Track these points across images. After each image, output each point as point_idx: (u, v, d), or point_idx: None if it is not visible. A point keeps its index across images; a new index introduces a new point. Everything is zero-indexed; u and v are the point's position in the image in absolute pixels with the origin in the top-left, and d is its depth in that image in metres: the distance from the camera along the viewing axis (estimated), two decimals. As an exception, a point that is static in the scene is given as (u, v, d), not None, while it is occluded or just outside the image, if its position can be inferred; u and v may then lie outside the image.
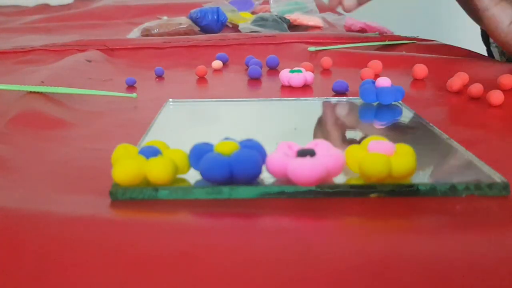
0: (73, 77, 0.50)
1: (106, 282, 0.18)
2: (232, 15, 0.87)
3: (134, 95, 0.44)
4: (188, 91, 0.48)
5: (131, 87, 0.49)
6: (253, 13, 0.97)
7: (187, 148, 0.25)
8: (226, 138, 0.25)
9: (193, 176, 0.25)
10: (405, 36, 0.66)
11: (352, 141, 0.25)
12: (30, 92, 0.42)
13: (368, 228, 0.21)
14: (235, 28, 0.85)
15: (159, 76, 0.53)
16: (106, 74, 0.54)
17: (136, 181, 0.24)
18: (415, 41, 0.64)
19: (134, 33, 0.80)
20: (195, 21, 0.81)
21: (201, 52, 0.63)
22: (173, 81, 0.52)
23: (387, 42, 0.63)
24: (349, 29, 0.82)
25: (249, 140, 0.25)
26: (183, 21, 0.80)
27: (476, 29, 0.59)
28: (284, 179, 0.24)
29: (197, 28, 0.81)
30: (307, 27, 0.86)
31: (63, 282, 0.18)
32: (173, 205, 0.23)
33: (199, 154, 0.24)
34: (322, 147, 0.24)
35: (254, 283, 0.18)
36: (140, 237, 0.20)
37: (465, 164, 0.26)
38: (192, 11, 0.83)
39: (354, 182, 0.24)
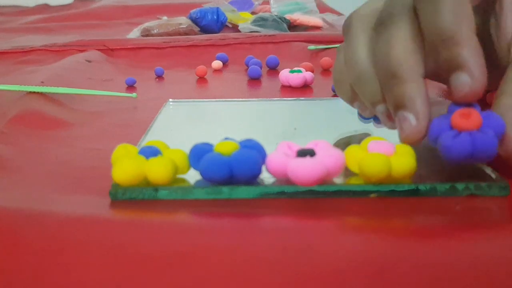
0: (73, 77, 0.50)
1: (106, 282, 0.18)
2: (232, 15, 0.87)
3: (134, 95, 0.44)
4: (188, 91, 0.48)
5: (131, 87, 0.49)
6: (253, 13, 0.97)
7: (187, 148, 0.25)
8: (226, 138, 0.25)
9: (193, 176, 0.25)
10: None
11: (352, 141, 0.25)
12: (30, 92, 0.42)
13: (368, 228, 0.21)
14: (235, 28, 0.85)
15: (159, 76, 0.53)
16: (106, 74, 0.54)
17: (136, 181, 0.24)
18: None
19: (134, 33, 0.80)
20: (195, 21, 0.81)
21: (201, 52, 0.63)
22: (173, 81, 0.52)
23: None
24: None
25: (249, 140, 0.25)
26: (183, 21, 0.80)
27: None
28: (284, 179, 0.24)
29: (197, 28, 0.81)
30: (307, 27, 0.86)
31: (63, 282, 0.18)
32: (173, 205, 0.23)
33: (199, 154, 0.24)
34: (322, 147, 0.24)
35: (254, 283, 0.18)
36: (140, 237, 0.20)
37: (465, 164, 0.26)
38: (192, 11, 0.83)
39: (354, 182, 0.24)
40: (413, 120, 0.25)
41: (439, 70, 0.25)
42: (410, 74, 0.25)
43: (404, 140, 0.25)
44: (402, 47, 0.26)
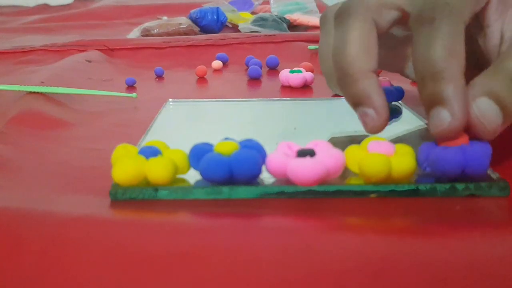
0: (73, 77, 0.50)
1: (106, 282, 0.18)
2: (232, 15, 0.87)
3: (134, 95, 0.44)
4: (188, 91, 0.48)
5: (131, 87, 0.49)
6: (253, 13, 0.97)
7: (187, 148, 0.25)
8: (226, 138, 0.25)
9: (193, 176, 0.25)
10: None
11: (352, 141, 0.25)
12: (30, 92, 0.42)
13: (368, 228, 0.21)
14: (235, 28, 0.85)
15: (159, 76, 0.53)
16: (106, 74, 0.54)
17: (136, 181, 0.24)
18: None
19: (134, 33, 0.80)
20: (195, 21, 0.81)
21: (201, 52, 0.63)
22: (173, 81, 0.52)
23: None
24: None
25: (249, 140, 0.25)
26: (183, 21, 0.80)
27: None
28: (284, 179, 0.24)
29: (197, 28, 0.81)
30: (307, 27, 0.86)
31: (63, 282, 0.18)
32: (173, 205, 0.23)
33: (199, 154, 0.24)
34: (322, 147, 0.24)
35: (254, 283, 0.18)
36: (140, 237, 0.20)
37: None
38: (192, 11, 0.83)
39: (354, 182, 0.24)
40: (373, 114, 0.26)
41: (421, 102, 0.25)
42: (361, 71, 0.26)
43: (369, 132, 0.26)
44: (354, 46, 0.26)
